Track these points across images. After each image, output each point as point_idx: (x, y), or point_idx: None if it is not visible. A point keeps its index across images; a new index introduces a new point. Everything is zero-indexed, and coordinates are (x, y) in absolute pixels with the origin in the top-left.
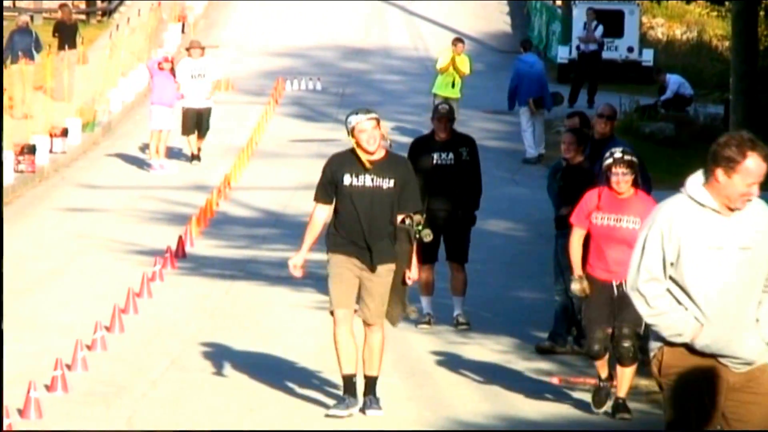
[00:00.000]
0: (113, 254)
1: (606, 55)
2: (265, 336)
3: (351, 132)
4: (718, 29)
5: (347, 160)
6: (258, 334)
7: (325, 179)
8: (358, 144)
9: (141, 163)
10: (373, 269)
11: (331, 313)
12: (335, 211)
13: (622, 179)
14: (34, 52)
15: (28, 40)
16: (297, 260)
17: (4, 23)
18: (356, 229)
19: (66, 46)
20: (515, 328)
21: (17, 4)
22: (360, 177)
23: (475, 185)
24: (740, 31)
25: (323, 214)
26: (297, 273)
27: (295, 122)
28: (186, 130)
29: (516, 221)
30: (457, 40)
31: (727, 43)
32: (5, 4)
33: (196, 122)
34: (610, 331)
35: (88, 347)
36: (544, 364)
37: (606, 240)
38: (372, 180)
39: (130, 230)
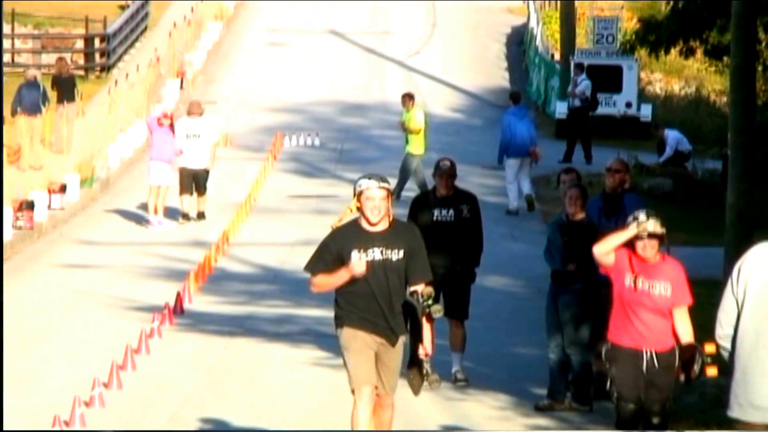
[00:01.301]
0: (111, 310)
1: (604, 110)
2: (263, 392)
3: (357, 196)
4: (716, 84)
5: (353, 234)
6: (256, 391)
7: (326, 252)
8: (361, 210)
9: (139, 219)
10: (393, 344)
11: (352, 391)
12: (341, 286)
13: (648, 244)
14: (42, 106)
15: (35, 94)
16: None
17: (4, 78)
18: (372, 307)
19: (65, 100)
20: (514, 384)
21: (16, 59)
22: (369, 251)
23: (476, 242)
24: (738, 86)
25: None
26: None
27: (293, 178)
28: (182, 190)
29: (514, 277)
30: (406, 96)
31: (725, 98)
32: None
33: (192, 183)
34: (638, 405)
35: (86, 404)
36: (542, 421)
37: (635, 305)
38: (381, 252)
39: (129, 286)
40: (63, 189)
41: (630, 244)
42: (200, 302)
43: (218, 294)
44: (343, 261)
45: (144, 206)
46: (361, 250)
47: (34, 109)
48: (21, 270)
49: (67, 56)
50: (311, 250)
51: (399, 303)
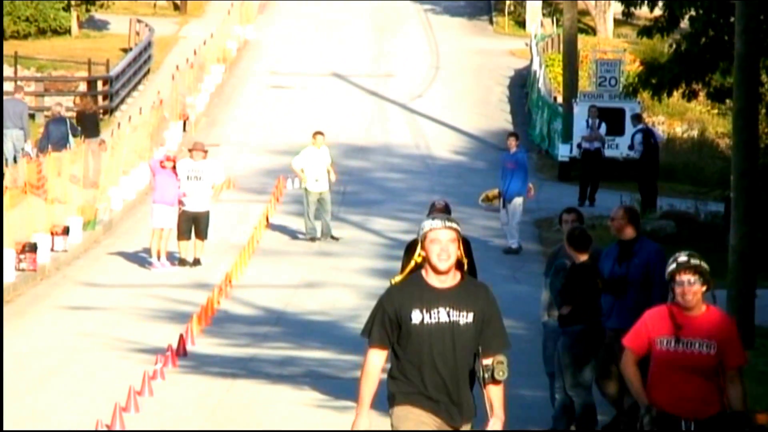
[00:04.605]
0: (114, 352)
1: (607, 153)
2: None
3: (422, 242)
4: (719, 127)
5: (413, 290)
6: None
7: (383, 317)
8: (427, 259)
9: (142, 262)
10: (456, 427)
11: None
12: (396, 355)
13: (688, 289)
14: (71, 139)
15: (63, 129)
16: (363, 425)
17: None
18: (434, 380)
19: (89, 136)
20: (516, 426)
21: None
22: (433, 312)
23: None
24: (741, 129)
25: (380, 361)
26: None
27: (296, 220)
28: (180, 235)
29: (517, 319)
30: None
31: (728, 141)
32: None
33: (192, 226)
34: None
35: None
36: None
37: (672, 368)
38: (448, 314)
39: (131, 328)
40: (66, 231)
41: (671, 291)
42: (203, 344)
43: (221, 336)
44: (401, 325)
45: (147, 249)
46: (424, 310)
47: (62, 144)
48: (24, 312)
49: (70, 99)
50: (314, 293)
51: (466, 378)
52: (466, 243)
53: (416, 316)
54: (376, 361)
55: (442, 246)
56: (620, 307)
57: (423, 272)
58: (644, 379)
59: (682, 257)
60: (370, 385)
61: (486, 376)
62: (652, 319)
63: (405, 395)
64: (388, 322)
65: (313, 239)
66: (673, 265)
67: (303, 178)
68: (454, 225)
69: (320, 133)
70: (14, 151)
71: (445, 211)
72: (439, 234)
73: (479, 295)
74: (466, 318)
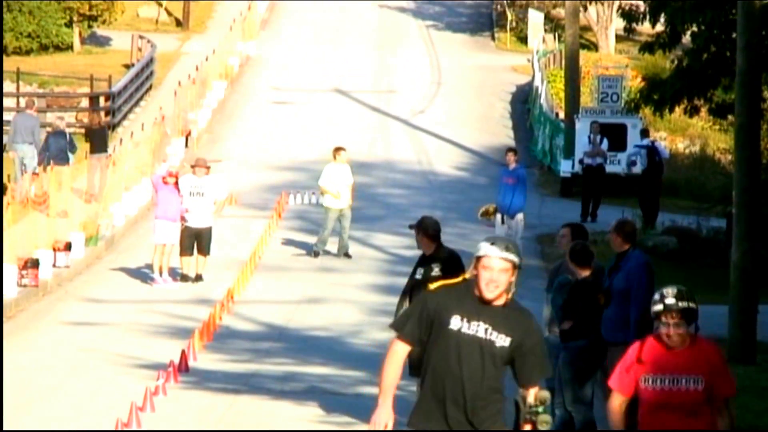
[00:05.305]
0: (116, 368)
1: (609, 168)
2: None
3: (475, 261)
4: (720, 142)
5: (460, 296)
6: None
7: (422, 312)
8: (476, 282)
9: (144, 277)
10: None
11: None
12: (425, 360)
13: (674, 331)
14: (70, 154)
15: (62, 143)
16: (384, 417)
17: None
18: (455, 389)
19: (97, 151)
20: None
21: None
22: (473, 323)
23: None
24: (743, 145)
25: (404, 353)
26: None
27: (298, 236)
28: (183, 251)
29: None
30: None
31: (730, 157)
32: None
33: (195, 242)
34: None
35: None
36: None
37: (660, 408)
38: (486, 331)
39: (133, 344)
40: (68, 247)
41: (655, 329)
42: (205, 360)
43: (223, 352)
44: (435, 326)
45: (149, 264)
46: (464, 319)
47: (61, 157)
48: (26, 328)
49: (72, 115)
50: (316, 308)
51: (486, 402)
52: (446, 260)
53: (455, 322)
54: (401, 351)
55: (493, 275)
56: (604, 318)
57: (474, 283)
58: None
59: (670, 299)
60: (392, 374)
61: (527, 416)
62: (636, 355)
63: (421, 412)
64: (426, 319)
65: (316, 254)
66: (660, 306)
67: (334, 194)
68: (511, 256)
69: (342, 148)
70: (22, 166)
71: (422, 228)
72: (493, 262)
73: (522, 322)
74: (503, 341)
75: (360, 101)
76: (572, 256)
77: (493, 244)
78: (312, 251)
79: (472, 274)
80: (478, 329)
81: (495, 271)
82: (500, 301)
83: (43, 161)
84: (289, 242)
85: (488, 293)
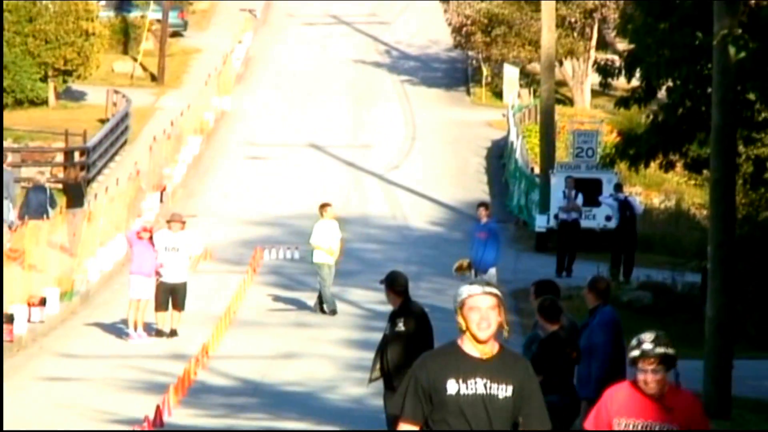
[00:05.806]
0: (91, 423)
1: (584, 223)
2: None
3: (459, 309)
4: (696, 197)
5: (449, 359)
6: None
7: (416, 387)
8: (467, 328)
9: (119, 333)
10: None
11: None
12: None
13: (651, 378)
14: (49, 209)
15: (42, 198)
16: None
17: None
18: None
19: (73, 205)
20: None
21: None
22: (470, 382)
23: (410, 356)
24: (718, 200)
25: None
26: None
27: (273, 291)
28: (158, 306)
29: None
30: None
31: (705, 212)
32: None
33: (170, 297)
34: None
35: None
36: None
37: None
38: (485, 386)
39: (109, 399)
40: (43, 302)
41: (633, 376)
42: (180, 415)
43: (198, 407)
44: (432, 396)
45: (124, 320)
46: (460, 381)
47: (40, 212)
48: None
49: (47, 170)
50: (291, 363)
51: None
52: (412, 314)
53: (452, 387)
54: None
55: (482, 314)
56: (576, 374)
57: (459, 341)
58: None
59: (647, 344)
60: None
61: None
62: (612, 399)
63: None
64: (422, 393)
65: (333, 312)
66: (637, 352)
67: (327, 251)
68: (494, 291)
69: (328, 204)
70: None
71: (389, 284)
72: (479, 301)
73: (518, 368)
74: (505, 391)
75: (335, 156)
76: (541, 310)
77: (472, 284)
78: (330, 311)
79: (460, 325)
80: (477, 386)
81: (483, 309)
82: (493, 350)
83: (24, 216)
84: (264, 297)
85: (481, 334)
